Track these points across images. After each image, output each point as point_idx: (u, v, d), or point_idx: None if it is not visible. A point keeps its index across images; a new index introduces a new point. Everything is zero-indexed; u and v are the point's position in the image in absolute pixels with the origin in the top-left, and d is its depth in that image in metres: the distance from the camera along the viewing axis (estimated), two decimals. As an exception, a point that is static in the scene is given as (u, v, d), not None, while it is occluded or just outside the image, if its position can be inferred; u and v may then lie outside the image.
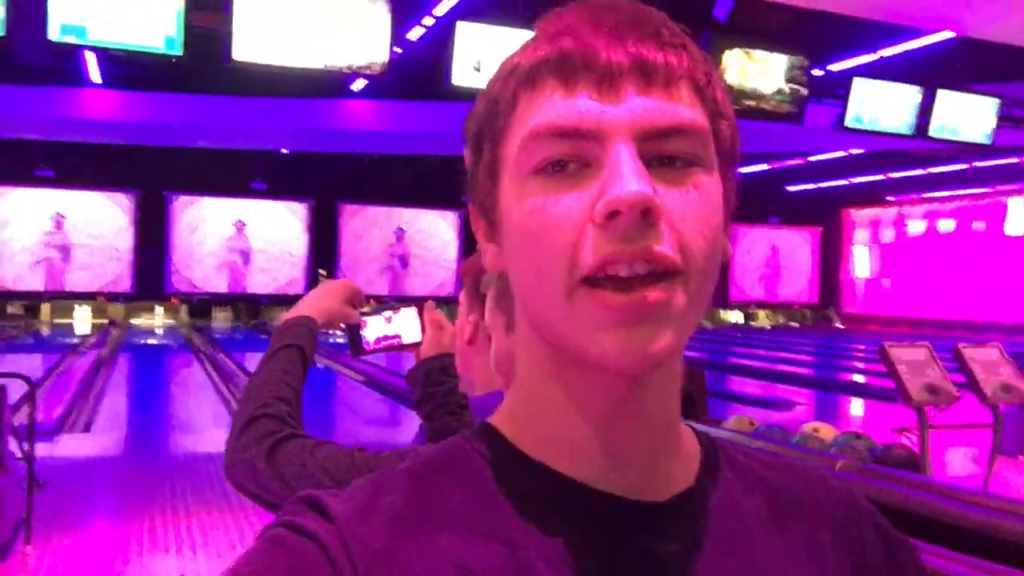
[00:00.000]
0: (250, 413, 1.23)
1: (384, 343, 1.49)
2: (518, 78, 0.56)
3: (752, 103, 8.52)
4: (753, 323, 26.93)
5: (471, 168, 0.61)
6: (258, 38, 5.82)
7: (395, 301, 1.58)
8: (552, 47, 0.55)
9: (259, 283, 23.26)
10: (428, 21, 9.27)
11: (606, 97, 0.53)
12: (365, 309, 1.49)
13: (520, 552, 0.55)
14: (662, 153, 0.53)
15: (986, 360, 4.15)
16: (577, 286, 0.53)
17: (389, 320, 1.50)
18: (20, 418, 5.52)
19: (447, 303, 15.60)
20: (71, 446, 7.36)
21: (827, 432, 4.89)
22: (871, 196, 25.33)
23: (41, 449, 6.61)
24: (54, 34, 5.71)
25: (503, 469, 0.59)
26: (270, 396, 1.25)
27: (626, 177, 0.51)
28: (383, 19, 6.24)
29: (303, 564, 0.52)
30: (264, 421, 1.22)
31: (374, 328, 1.49)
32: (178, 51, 5.52)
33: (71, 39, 5.80)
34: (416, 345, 1.50)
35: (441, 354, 1.47)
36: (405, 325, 1.50)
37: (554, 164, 0.54)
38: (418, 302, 1.53)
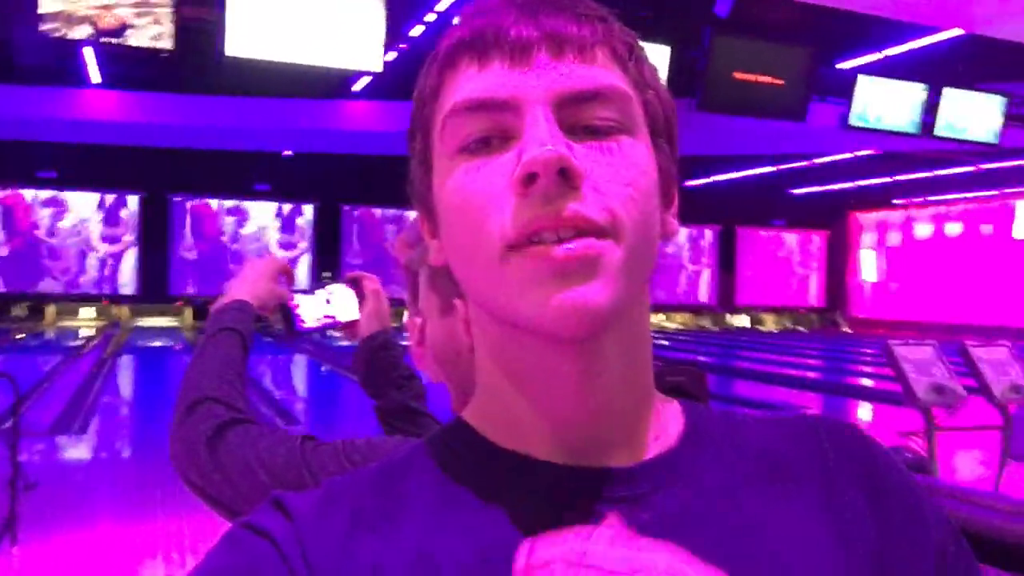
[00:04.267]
0: (192, 397, 1.13)
1: (320, 323, 1.40)
2: (439, 63, 0.57)
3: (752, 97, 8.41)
4: (760, 327, 26.78)
5: (411, 165, 0.61)
6: (251, 32, 5.75)
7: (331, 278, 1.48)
8: (468, 27, 0.56)
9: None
10: (430, 17, 9.19)
11: (518, 66, 0.53)
12: (300, 287, 1.41)
13: (481, 537, 0.54)
14: (583, 121, 0.53)
15: (994, 360, 4.04)
16: (506, 253, 0.52)
17: (324, 298, 1.41)
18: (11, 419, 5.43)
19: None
20: (66, 448, 7.30)
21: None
22: (878, 199, 25.17)
23: (35, 451, 6.57)
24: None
25: (467, 457, 0.59)
26: (213, 380, 1.15)
27: (540, 138, 0.50)
28: (379, 16, 6.16)
29: (255, 561, 0.53)
30: (208, 405, 1.12)
31: (308, 307, 1.40)
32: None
33: None
34: (353, 323, 1.41)
35: (380, 331, 1.40)
36: (341, 302, 1.41)
37: (476, 142, 0.54)
38: (353, 276, 1.43)
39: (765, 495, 0.58)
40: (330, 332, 1.43)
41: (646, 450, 0.58)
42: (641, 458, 0.57)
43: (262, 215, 23.27)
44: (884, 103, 9.22)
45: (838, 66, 10.46)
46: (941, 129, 9.52)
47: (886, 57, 10.43)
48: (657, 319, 26.28)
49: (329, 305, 1.41)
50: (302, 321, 1.39)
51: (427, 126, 0.58)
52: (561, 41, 0.53)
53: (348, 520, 0.55)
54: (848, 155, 17.18)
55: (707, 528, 0.55)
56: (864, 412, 10.85)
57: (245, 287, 1.33)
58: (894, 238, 26.16)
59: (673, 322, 26.58)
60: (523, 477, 0.56)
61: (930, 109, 9.43)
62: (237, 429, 1.08)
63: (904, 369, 3.89)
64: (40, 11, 5.45)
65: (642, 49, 0.59)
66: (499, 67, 0.53)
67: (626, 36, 0.57)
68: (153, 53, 5.78)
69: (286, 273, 1.39)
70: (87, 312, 21.89)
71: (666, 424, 0.61)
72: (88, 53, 11.19)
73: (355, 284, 1.42)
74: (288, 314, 1.38)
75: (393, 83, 12.25)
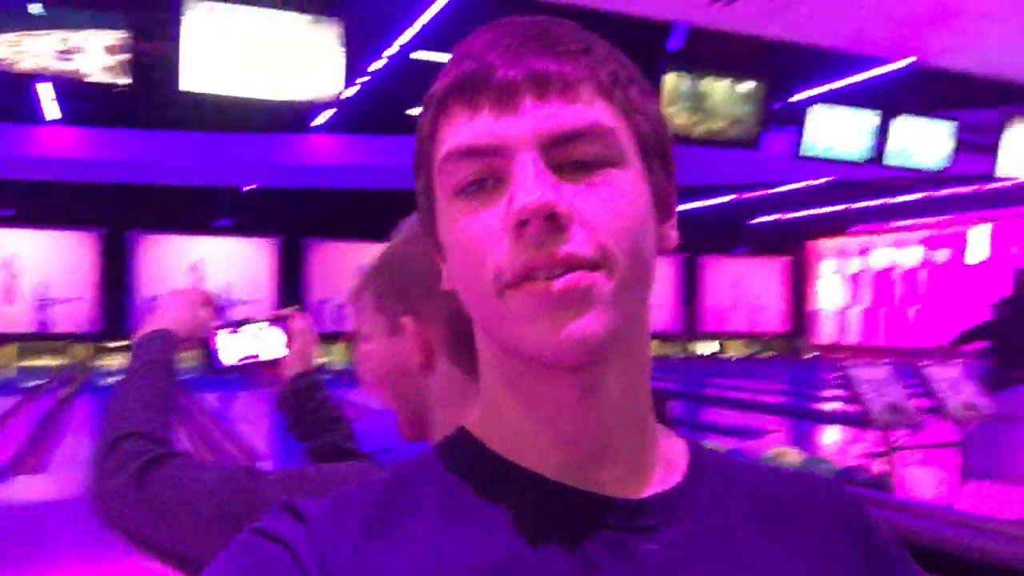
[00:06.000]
0: (114, 434, 1.05)
1: (244, 360, 1.33)
2: (433, 108, 0.59)
3: (707, 129, 8.52)
4: (724, 354, 26.95)
5: (417, 198, 0.65)
6: (206, 67, 5.72)
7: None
8: (457, 70, 0.58)
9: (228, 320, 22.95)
10: (391, 51, 9.22)
11: (505, 112, 0.55)
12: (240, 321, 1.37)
13: (491, 549, 0.56)
14: (571, 158, 0.55)
15: (948, 378, 4.12)
16: (503, 290, 0.55)
17: (249, 334, 1.35)
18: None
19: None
20: (25, 488, 7.15)
21: (793, 457, 4.84)
22: (836, 227, 25.54)
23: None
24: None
25: (475, 469, 0.61)
26: (136, 414, 1.08)
27: (528, 186, 0.53)
28: (335, 50, 6.17)
29: (269, 566, 0.53)
30: (131, 442, 1.04)
31: (231, 343, 1.33)
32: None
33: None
34: (278, 362, 1.35)
35: (307, 371, 1.35)
36: (266, 340, 1.35)
37: (471, 184, 0.56)
38: (280, 314, 1.38)
39: (760, 540, 0.62)
40: (253, 369, 1.35)
41: (652, 481, 0.61)
42: (647, 489, 0.60)
43: (224, 251, 23.06)
44: (836, 132, 9.36)
45: (792, 99, 10.65)
46: (892, 157, 9.65)
47: (837, 88, 10.64)
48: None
49: (254, 342, 1.35)
50: (223, 357, 1.33)
51: (428, 164, 0.61)
52: (544, 82, 0.55)
53: (360, 528, 0.56)
54: (803, 184, 17.46)
55: (707, 564, 0.58)
56: (832, 435, 10.93)
57: (167, 316, 1.27)
58: (853, 265, 26.52)
59: (639, 351, 26.61)
60: (532, 495, 0.59)
61: (881, 137, 9.59)
62: (171, 463, 1.02)
63: (861, 390, 3.94)
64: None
65: (632, 70, 0.61)
66: (487, 113, 0.56)
67: (612, 63, 0.59)
68: (110, 88, 5.74)
69: (210, 304, 1.33)
70: (48, 351, 21.49)
71: (672, 458, 0.64)
72: (44, 89, 11.08)
73: (282, 322, 1.37)
74: (208, 348, 1.32)
75: (354, 117, 12.27)
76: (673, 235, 0.62)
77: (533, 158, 0.54)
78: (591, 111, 0.56)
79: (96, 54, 5.60)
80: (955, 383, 4.12)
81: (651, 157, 0.59)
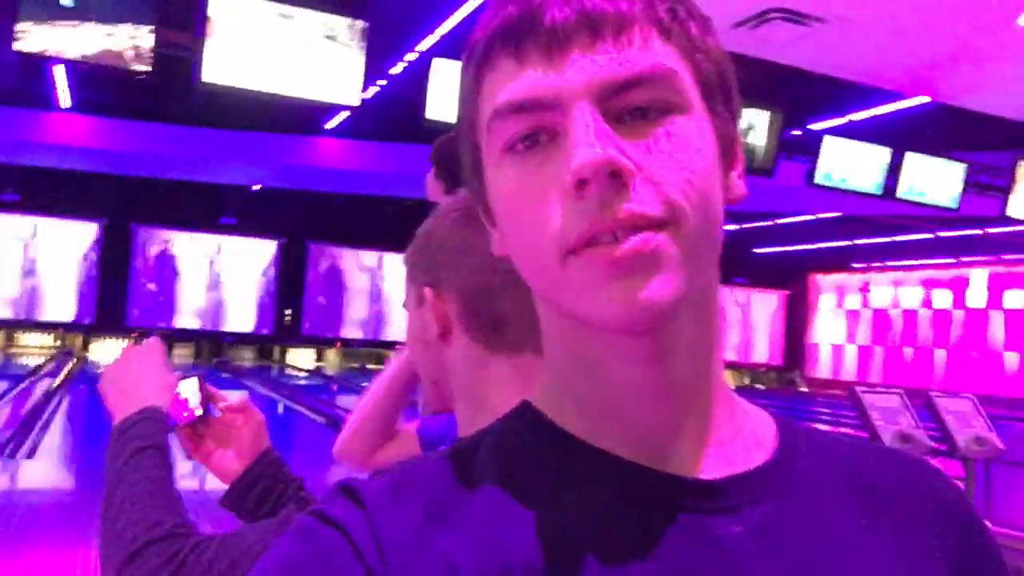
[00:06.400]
0: (131, 543, 1.01)
1: (184, 421, 1.25)
2: (476, 61, 0.55)
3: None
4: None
5: (463, 157, 0.60)
6: (229, 61, 5.71)
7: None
8: (501, 15, 0.53)
9: (223, 320, 22.89)
10: (411, 56, 9.26)
11: (556, 63, 0.51)
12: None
13: (559, 533, 0.52)
14: (630, 105, 0.51)
15: (959, 411, 4.08)
16: (565, 256, 0.51)
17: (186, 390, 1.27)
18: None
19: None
20: (11, 473, 7.10)
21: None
22: (837, 262, 25.63)
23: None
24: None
25: (540, 448, 0.58)
26: (150, 515, 1.04)
27: (586, 142, 0.49)
28: (359, 51, 6.18)
29: (327, 554, 0.52)
30: (155, 548, 1.00)
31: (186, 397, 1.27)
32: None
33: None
34: (203, 421, 1.28)
35: (260, 458, 1.28)
36: (192, 396, 1.27)
37: (522, 139, 0.52)
38: (208, 389, 1.29)
39: (856, 525, 0.57)
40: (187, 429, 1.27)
41: (733, 459, 0.57)
42: (727, 467, 0.56)
43: (226, 249, 23.04)
44: (849, 164, 9.40)
45: (806, 128, 10.70)
46: (903, 192, 9.70)
47: (851, 121, 10.70)
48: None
49: (186, 399, 1.27)
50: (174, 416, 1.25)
51: (472, 122, 0.57)
52: (597, 23, 0.51)
53: (421, 509, 0.54)
54: (811, 217, 17.52)
55: (795, 548, 0.54)
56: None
57: (156, 383, 1.21)
58: (852, 301, 26.59)
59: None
60: (602, 475, 0.55)
61: (893, 172, 9.64)
62: (202, 553, 1.01)
63: (871, 417, 3.91)
64: (16, 29, 5.41)
65: (690, 2, 0.55)
66: (537, 63, 0.51)
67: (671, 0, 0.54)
68: (129, 75, 5.73)
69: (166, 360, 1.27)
70: (42, 339, 21.41)
71: (758, 435, 0.60)
72: (59, 77, 11.09)
73: (202, 381, 1.30)
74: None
75: (367, 122, 12.28)
76: (740, 184, 0.57)
77: (590, 110, 0.50)
78: (650, 54, 0.51)
79: (122, 42, 5.60)
80: (965, 417, 4.08)
81: (714, 99, 0.55)
